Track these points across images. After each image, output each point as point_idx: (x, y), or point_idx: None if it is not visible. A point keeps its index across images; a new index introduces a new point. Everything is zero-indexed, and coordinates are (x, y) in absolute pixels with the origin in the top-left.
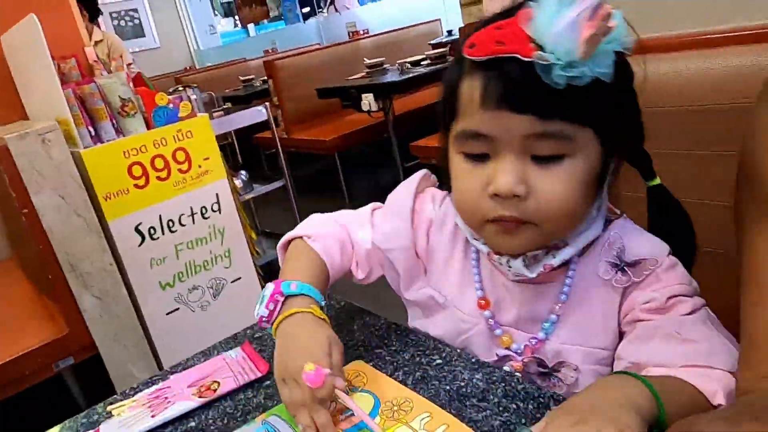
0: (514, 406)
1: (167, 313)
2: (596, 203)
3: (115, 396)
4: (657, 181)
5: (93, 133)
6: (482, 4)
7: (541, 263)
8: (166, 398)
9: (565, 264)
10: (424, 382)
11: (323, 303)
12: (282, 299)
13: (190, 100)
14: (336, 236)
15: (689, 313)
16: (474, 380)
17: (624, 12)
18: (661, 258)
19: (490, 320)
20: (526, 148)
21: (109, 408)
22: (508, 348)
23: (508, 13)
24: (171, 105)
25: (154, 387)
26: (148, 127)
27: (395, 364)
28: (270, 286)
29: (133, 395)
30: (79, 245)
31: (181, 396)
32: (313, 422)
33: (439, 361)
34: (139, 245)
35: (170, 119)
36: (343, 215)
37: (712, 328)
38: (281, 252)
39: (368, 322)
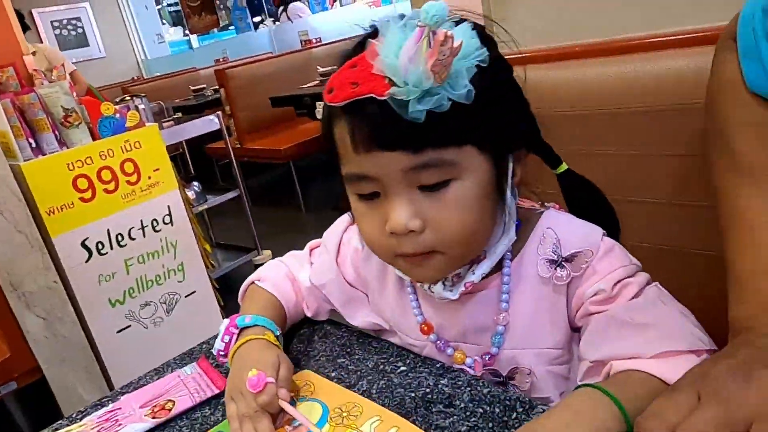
0: (481, 410)
1: (118, 331)
2: (503, 210)
3: (60, 421)
4: (564, 167)
5: (34, 145)
6: None
7: (462, 282)
8: (116, 420)
9: (499, 268)
10: (389, 390)
11: (278, 332)
12: (237, 332)
13: (138, 110)
14: (284, 275)
15: (637, 295)
16: (439, 386)
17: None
18: (596, 246)
19: (438, 342)
20: (411, 181)
21: None
22: (462, 364)
23: (361, 46)
24: (118, 115)
25: (104, 409)
26: (94, 138)
27: (359, 373)
28: (225, 321)
29: (80, 419)
30: (20, 263)
31: (132, 417)
32: None
33: (403, 368)
34: (86, 261)
35: (117, 130)
36: (288, 257)
37: (665, 304)
38: (241, 301)
39: (330, 331)
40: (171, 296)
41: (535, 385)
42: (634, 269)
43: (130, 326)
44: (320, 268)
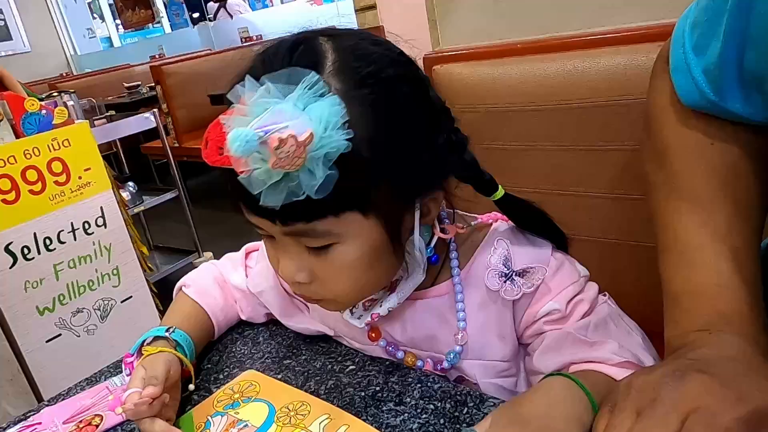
0: (432, 406)
1: (47, 341)
2: (409, 252)
3: None
4: (500, 193)
5: None
6: (376, 9)
7: (368, 313)
8: None
9: (449, 276)
10: (338, 390)
11: (186, 343)
12: (134, 358)
13: (66, 107)
14: (213, 279)
15: (589, 312)
16: (389, 383)
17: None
18: (547, 262)
19: (388, 348)
20: (296, 240)
21: None
22: (413, 366)
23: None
24: (44, 111)
25: (21, 424)
26: (17, 135)
27: (306, 374)
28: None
29: None
30: None
31: None
32: None
33: (352, 367)
34: (11, 267)
35: (43, 127)
36: (223, 259)
37: (615, 323)
38: None
39: (276, 332)
40: (106, 302)
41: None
42: (583, 282)
43: (60, 335)
44: (258, 275)
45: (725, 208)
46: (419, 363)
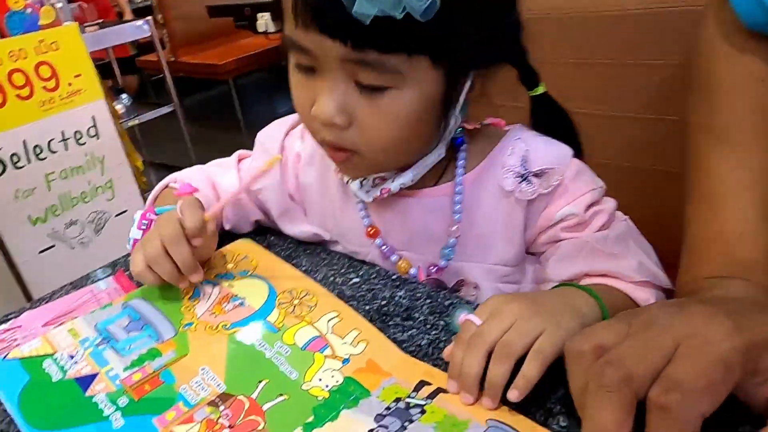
0: (442, 323)
1: (40, 252)
2: (443, 127)
3: None
4: (541, 89)
5: None
6: None
7: (378, 188)
8: (14, 340)
9: (449, 179)
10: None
11: None
12: (155, 217)
13: (53, 7)
14: (204, 178)
15: (607, 225)
16: (396, 298)
17: None
18: (567, 164)
19: (383, 247)
20: (348, 73)
21: None
22: (406, 273)
23: None
24: (29, 10)
25: (2, 326)
26: (2, 35)
27: None
28: (139, 212)
29: None
30: None
31: (32, 338)
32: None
33: (356, 280)
34: (0, 174)
35: (29, 28)
36: (209, 164)
37: (636, 239)
38: (151, 204)
39: (273, 242)
40: (99, 215)
41: (481, 299)
42: (602, 192)
43: (54, 246)
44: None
45: (764, 153)
46: (412, 271)
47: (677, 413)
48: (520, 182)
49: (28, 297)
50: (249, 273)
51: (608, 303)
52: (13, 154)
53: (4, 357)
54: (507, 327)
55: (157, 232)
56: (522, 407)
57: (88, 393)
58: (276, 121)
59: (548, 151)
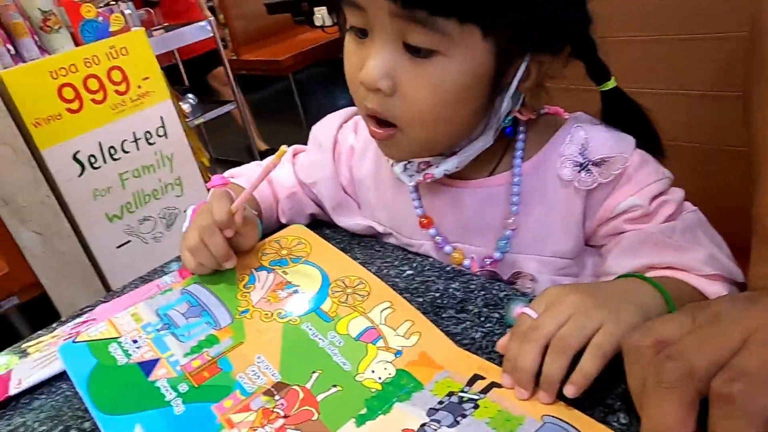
0: (497, 315)
1: (118, 246)
2: (490, 110)
3: (39, 332)
4: (611, 84)
5: (13, 52)
6: None
7: (422, 173)
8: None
9: (511, 166)
10: None
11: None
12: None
13: (122, 14)
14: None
15: (674, 215)
16: (450, 290)
17: None
18: (629, 153)
19: (437, 238)
20: (398, 33)
21: (24, 346)
22: (459, 264)
23: None
24: (100, 18)
25: (78, 320)
26: (77, 43)
27: None
28: (191, 207)
29: (54, 329)
30: (9, 177)
31: None
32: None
33: (409, 272)
34: (79, 175)
35: (101, 35)
36: (266, 160)
37: (706, 230)
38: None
39: (328, 235)
40: (170, 211)
41: (537, 292)
42: (668, 183)
43: (130, 241)
44: (312, 165)
45: None
46: (466, 262)
47: (742, 404)
48: (579, 171)
49: (107, 288)
50: (302, 260)
51: (675, 296)
52: (90, 156)
53: (74, 340)
54: (564, 320)
55: (195, 224)
56: (580, 403)
57: (151, 378)
58: (329, 115)
59: (609, 140)
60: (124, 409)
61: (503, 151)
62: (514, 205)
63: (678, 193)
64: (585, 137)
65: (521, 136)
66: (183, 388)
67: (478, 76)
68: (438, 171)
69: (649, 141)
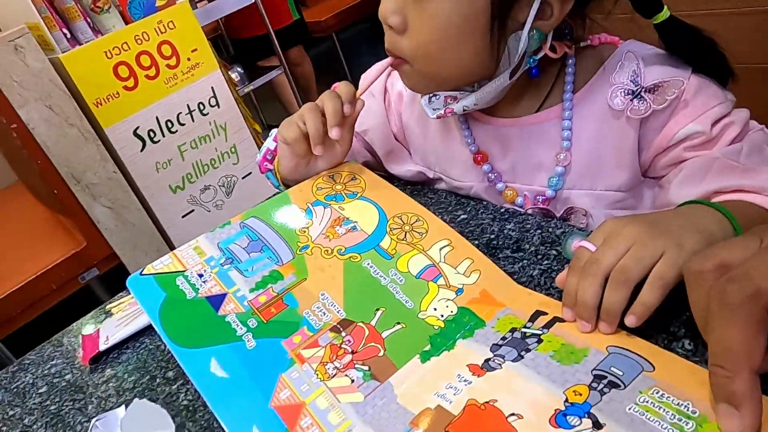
0: (554, 252)
1: (183, 216)
2: (500, 49)
3: (120, 294)
4: (664, 15)
5: (69, 36)
6: None
7: (442, 108)
8: None
9: (561, 100)
10: None
11: None
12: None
13: None
14: None
15: (739, 137)
16: (505, 231)
17: None
18: (685, 76)
19: (490, 174)
20: None
21: (108, 307)
22: (512, 203)
23: None
24: None
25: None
26: (126, 21)
27: None
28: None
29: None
30: (78, 156)
31: None
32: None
33: (464, 216)
34: (141, 150)
35: (148, 10)
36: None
37: None
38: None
39: None
40: (228, 179)
41: (592, 227)
42: (731, 105)
43: (193, 210)
44: (364, 113)
45: None
46: (519, 200)
47: None
48: (632, 100)
49: None
50: (358, 195)
51: (743, 221)
52: (149, 130)
53: (141, 272)
54: (623, 252)
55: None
56: (644, 332)
57: (221, 312)
58: (378, 63)
59: (663, 66)
60: (198, 342)
61: (551, 85)
62: (565, 141)
63: (742, 113)
64: (637, 63)
65: (570, 69)
66: (252, 323)
67: (477, 11)
68: (458, 107)
69: (719, 67)
